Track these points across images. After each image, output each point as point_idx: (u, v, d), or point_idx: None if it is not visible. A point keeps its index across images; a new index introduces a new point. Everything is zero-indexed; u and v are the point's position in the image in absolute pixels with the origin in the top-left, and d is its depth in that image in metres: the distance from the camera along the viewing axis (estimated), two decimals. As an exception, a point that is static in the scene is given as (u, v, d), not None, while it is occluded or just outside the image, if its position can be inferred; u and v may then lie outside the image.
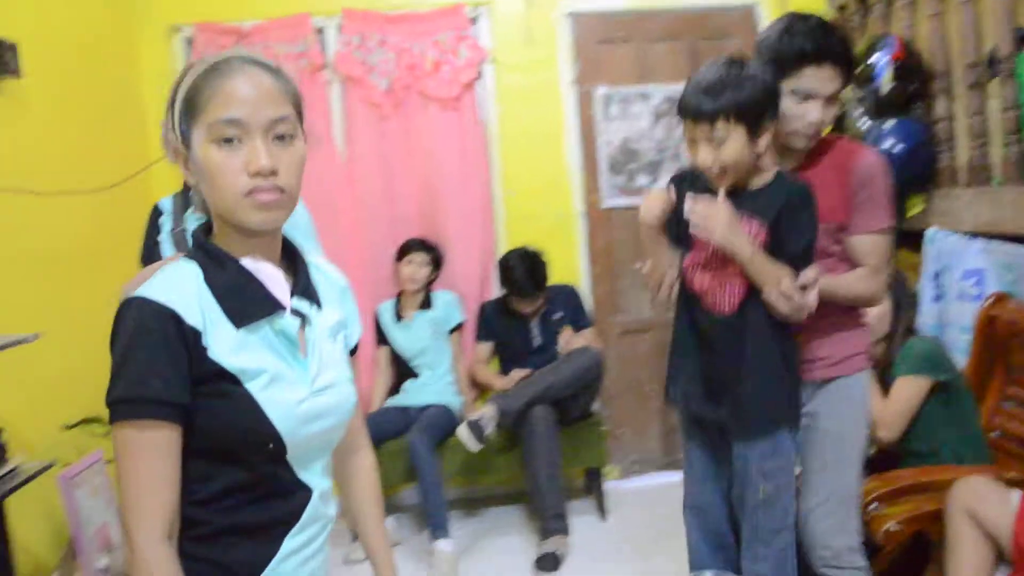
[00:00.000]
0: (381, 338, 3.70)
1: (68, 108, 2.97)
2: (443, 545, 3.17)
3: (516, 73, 3.81)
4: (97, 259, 3.03)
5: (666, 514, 3.42)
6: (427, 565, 3.15)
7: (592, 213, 3.94)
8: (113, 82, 3.39)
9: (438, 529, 3.19)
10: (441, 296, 3.69)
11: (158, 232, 2.25)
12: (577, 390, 3.41)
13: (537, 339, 3.65)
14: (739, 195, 1.87)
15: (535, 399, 3.28)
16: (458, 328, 3.73)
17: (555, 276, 3.65)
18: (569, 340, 3.55)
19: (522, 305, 3.57)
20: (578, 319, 3.67)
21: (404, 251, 3.61)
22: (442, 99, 3.72)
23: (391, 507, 3.68)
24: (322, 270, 1.28)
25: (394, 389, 3.70)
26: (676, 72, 3.85)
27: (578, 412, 3.52)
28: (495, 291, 3.85)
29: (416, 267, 3.57)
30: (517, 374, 3.46)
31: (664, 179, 3.41)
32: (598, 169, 3.91)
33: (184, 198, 2.03)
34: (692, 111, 1.82)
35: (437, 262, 3.65)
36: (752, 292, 1.86)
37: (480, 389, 3.79)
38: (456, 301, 3.70)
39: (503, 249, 3.84)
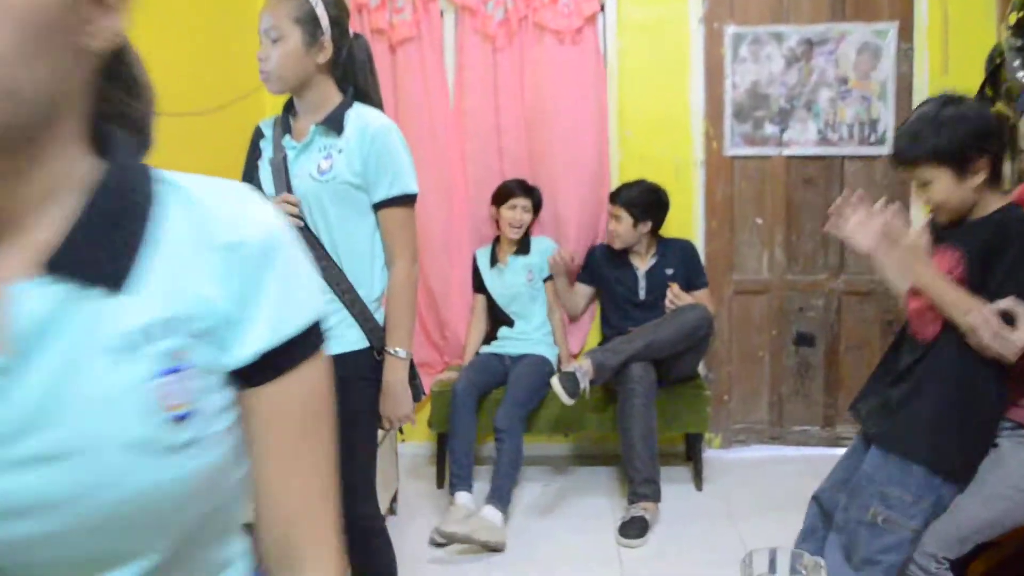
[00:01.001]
0: (479, 285, 3.70)
1: (182, 27, 2.97)
2: (462, 498, 3.14)
3: (642, 7, 3.74)
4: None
5: (768, 489, 3.56)
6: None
7: (712, 161, 3.85)
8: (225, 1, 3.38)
9: (460, 482, 3.17)
10: (539, 242, 3.67)
11: (258, 155, 2.25)
12: (681, 350, 3.34)
13: (643, 292, 3.61)
14: (958, 227, 1.89)
15: (634, 356, 3.24)
16: (550, 277, 3.69)
17: (669, 227, 3.61)
18: (678, 295, 3.50)
19: (632, 254, 3.54)
20: (692, 278, 3.62)
21: (505, 195, 3.57)
22: (560, 32, 3.66)
23: (482, 459, 3.72)
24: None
25: (491, 336, 3.71)
26: (815, 12, 3.75)
27: (680, 373, 3.48)
28: (603, 234, 3.80)
29: (519, 212, 3.54)
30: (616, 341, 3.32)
31: (795, 129, 3.61)
32: (723, 114, 3.82)
33: (284, 122, 2.02)
34: (894, 157, 1.90)
35: (537, 206, 3.63)
36: (948, 323, 1.87)
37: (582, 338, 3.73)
38: (550, 248, 3.65)
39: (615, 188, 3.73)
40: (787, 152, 3.79)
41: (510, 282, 3.63)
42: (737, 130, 3.84)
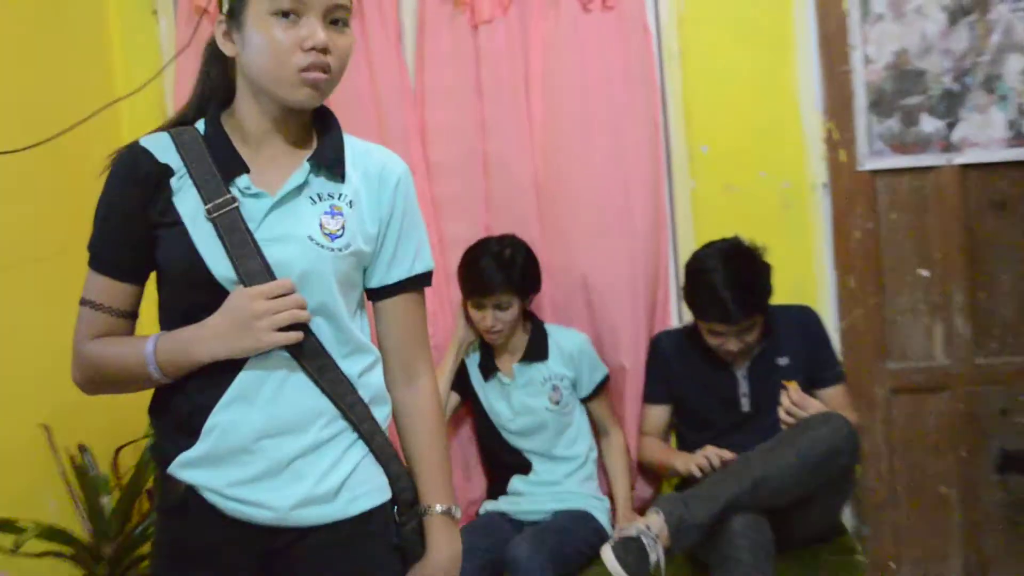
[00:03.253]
0: (471, 399, 3.25)
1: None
2: None
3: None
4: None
5: None
6: None
7: (842, 182, 3.40)
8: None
9: None
10: (563, 337, 3.17)
11: (161, 207, 1.88)
12: (811, 490, 2.84)
13: (745, 399, 3.05)
14: None
15: (736, 503, 2.75)
16: (600, 390, 3.23)
17: (776, 293, 3.05)
18: (799, 402, 2.90)
19: (724, 341, 2.98)
20: (817, 367, 3.12)
21: (466, 283, 3.10)
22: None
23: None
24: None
25: (496, 484, 3.23)
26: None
27: (812, 528, 3.00)
28: (674, 317, 3.41)
29: (489, 314, 3.05)
30: (714, 455, 2.92)
31: (970, 122, 3.27)
32: (852, 107, 3.37)
33: (223, 149, 1.78)
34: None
35: (527, 283, 3.10)
36: None
37: (653, 479, 3.37)
38: (587, 347, 3.20)
39: (686, 242, 3.34)
40: (960, 160, 3.35)
41: (522, 405, 3.14)
42: (877, 130, 3.41)
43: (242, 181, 1.61)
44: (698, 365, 3.11)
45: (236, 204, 1.59)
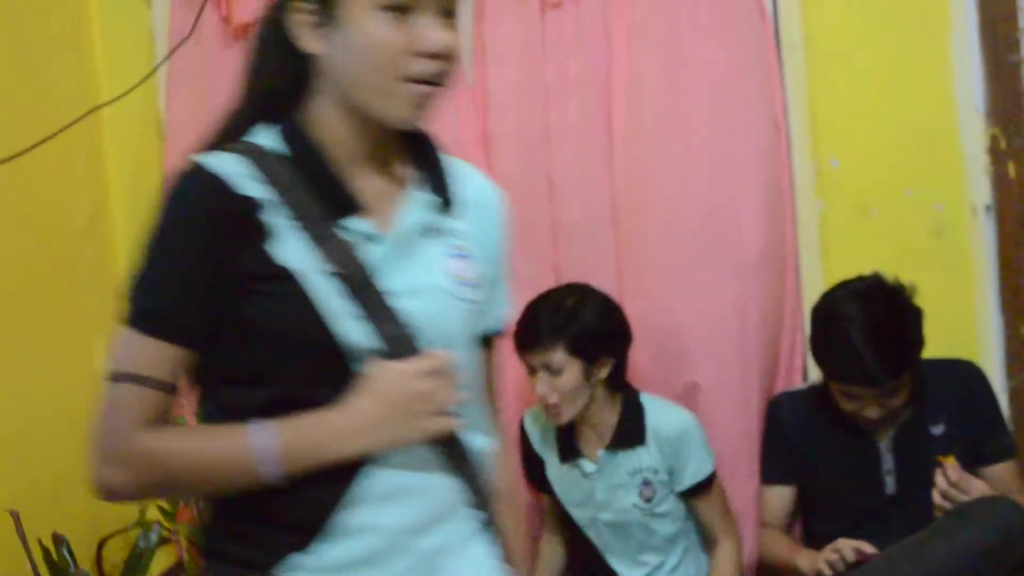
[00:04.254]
0: (540, 479, 3.05)
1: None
2: None
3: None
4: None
5: None
6: None
7: (1010, 203, 3.15)
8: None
9: None
10: (663, 417, 2.93)
11: (261, 255, 1.79)
12: None
13: (890, 478, 2.84)
14: None
15: None
16: (705, 486, 2.94)
17: (927, 343, 2.82)
18: (958, 482, 2.70)
19: (863, 405, 2.79)
20: (981, 438, 2.87)
21: (518, 343, 2.87)
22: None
23: None
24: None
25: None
26: None
27: None
28: (801, 374, 3.18)
29: (542, 380, 2.80)
30: (847, 547, 2.72)
31: None
32: (1022, 109, 3.08)
33: (321, 176, 1.60)
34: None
35: (591, 341, 2.82)
36: None
37: None
38: (693, 431, 2.92)
39: (812, 280, 3.11)
40: None
41: (607, 500, 2.92)
42: None
43: (354, 221, 1.45)
44: (829, 435, 2.87)
45: (358, 253, 1.47)
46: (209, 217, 1.36)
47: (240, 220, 1.37)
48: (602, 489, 2.92)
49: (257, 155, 1.40)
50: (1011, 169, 3.10)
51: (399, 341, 1.38)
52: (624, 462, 2.89)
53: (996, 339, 3.12)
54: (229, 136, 1.43)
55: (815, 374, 2.96)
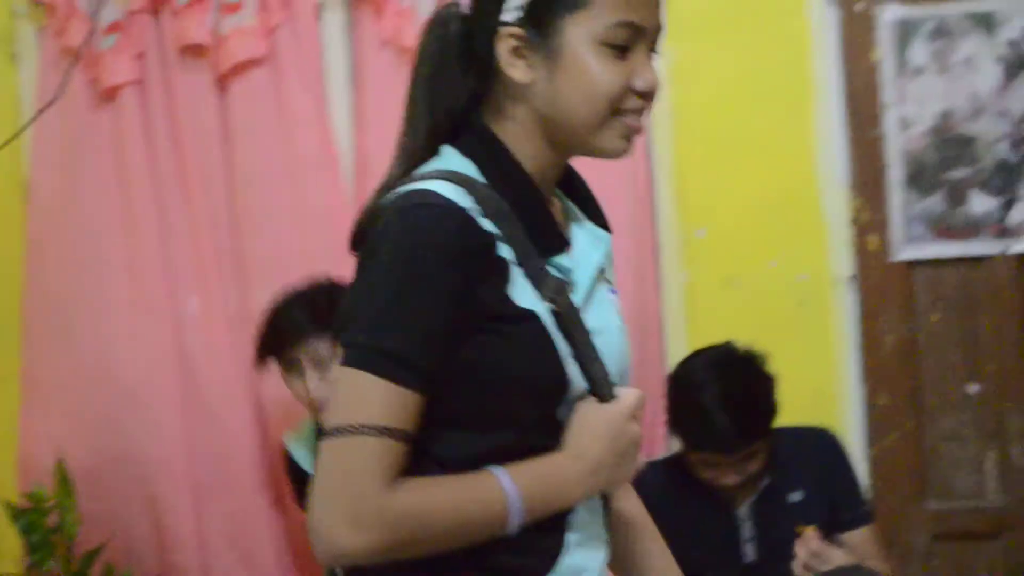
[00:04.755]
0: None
1: None
2: None
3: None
4: None
5: None
6: None
7: (872, 275, 3.24)
8: None
9: None
10: None
11: (503, 301, 1.78)
12: None
13: (749, 547, 2.85)
14: None
15: None
16: None
17: (788, 411, 2.85)
18: (818, 552, 2.72)
19: (719, 473, 2.81)
20: (839, 505, 2.89)
21: (277, 343, 2.84)
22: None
23: None
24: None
25: None
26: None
27: None
28: (663, 444, 3.23)
29: (326, 374, 2.84)
30: None
31: None
32: (885, 182, 3.18)
33: (530, 207, 1.50)
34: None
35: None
36: None
37: None
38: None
39: (676, 350, 3.15)
40: (1019, 248, 3.17)
41: None
42: (916, 210, 3.21)
43: (558, 258, 1.42)
44: (688, 505, 2.83)
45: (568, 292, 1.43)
46: (460, 254, 1.28)
47: (485, 258, 1.30)
48: None
49: (470, 186, 1.33)
50: (872, 241, 3.15)
51: (603, 382, 1.34)
52: None
53: (856, 408, 3.17)
54: (420, 161, 1.37)
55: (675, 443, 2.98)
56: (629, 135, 1.34)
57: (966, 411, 3.14)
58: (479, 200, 1.31)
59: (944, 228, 3.16)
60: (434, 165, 1.33)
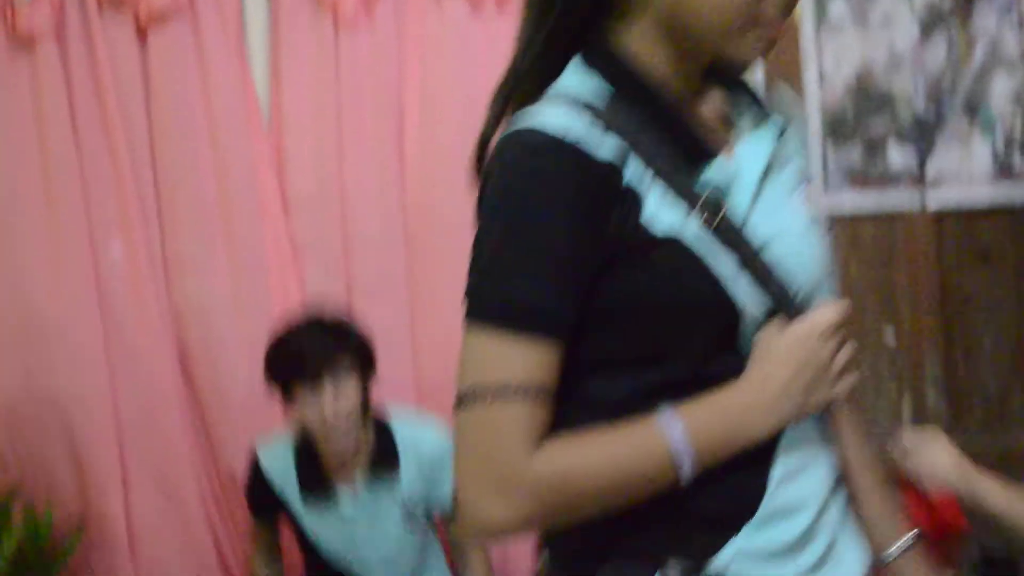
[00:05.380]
0: (270, 518, 2.84)
1: None
2: None
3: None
4: None
5: None
6: None
7: None
8: None
9: None
10: (412, 433, 2.75)
11: None
12: None
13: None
14: None
15: None
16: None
17: None
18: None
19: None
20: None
21: (299, 363, 2.63)
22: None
23: None
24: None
25: None
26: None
27: None
28: None
29: (341, 393, 2.60)
30: None
31: (947, 154, 3.25)
32: (804, 135, 2.92)
33: None
34: None
35: (366, 361, 2.70)
36: None
37: None
38: (440, 439, 2.71)
39: None
40: (935, 202, 3.29)
41: (368, 537, 2.72)
42: (834, 162, 3.33)
43: (709, 168, 1.29)
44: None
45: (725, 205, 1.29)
46: (577, 192, 1.19)
47: (607, 190, 1.21)
48: (362, 528, 2.83)
49: (585, 105, 1.24)
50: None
51: (785, 299, 1.22)
52: (382, 494, 2.81)
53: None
54: (541, 78, 1.27)
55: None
56: (768, 43, 1.25)
57: (882, 358, 3.23)
58: (603, 119, 1.23)
59: (861, 179, 3.25)
60: (554, 85, 1.25)
